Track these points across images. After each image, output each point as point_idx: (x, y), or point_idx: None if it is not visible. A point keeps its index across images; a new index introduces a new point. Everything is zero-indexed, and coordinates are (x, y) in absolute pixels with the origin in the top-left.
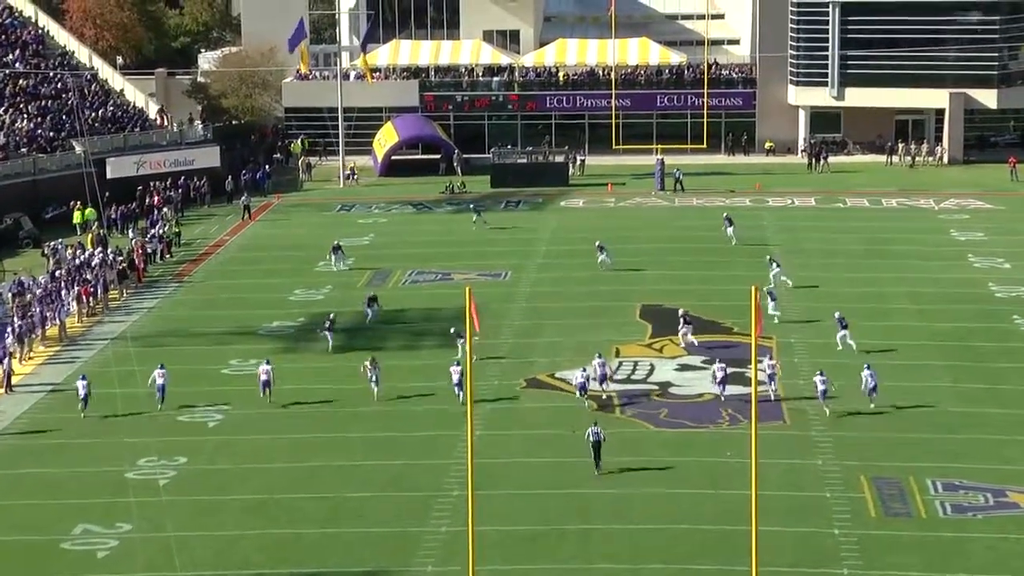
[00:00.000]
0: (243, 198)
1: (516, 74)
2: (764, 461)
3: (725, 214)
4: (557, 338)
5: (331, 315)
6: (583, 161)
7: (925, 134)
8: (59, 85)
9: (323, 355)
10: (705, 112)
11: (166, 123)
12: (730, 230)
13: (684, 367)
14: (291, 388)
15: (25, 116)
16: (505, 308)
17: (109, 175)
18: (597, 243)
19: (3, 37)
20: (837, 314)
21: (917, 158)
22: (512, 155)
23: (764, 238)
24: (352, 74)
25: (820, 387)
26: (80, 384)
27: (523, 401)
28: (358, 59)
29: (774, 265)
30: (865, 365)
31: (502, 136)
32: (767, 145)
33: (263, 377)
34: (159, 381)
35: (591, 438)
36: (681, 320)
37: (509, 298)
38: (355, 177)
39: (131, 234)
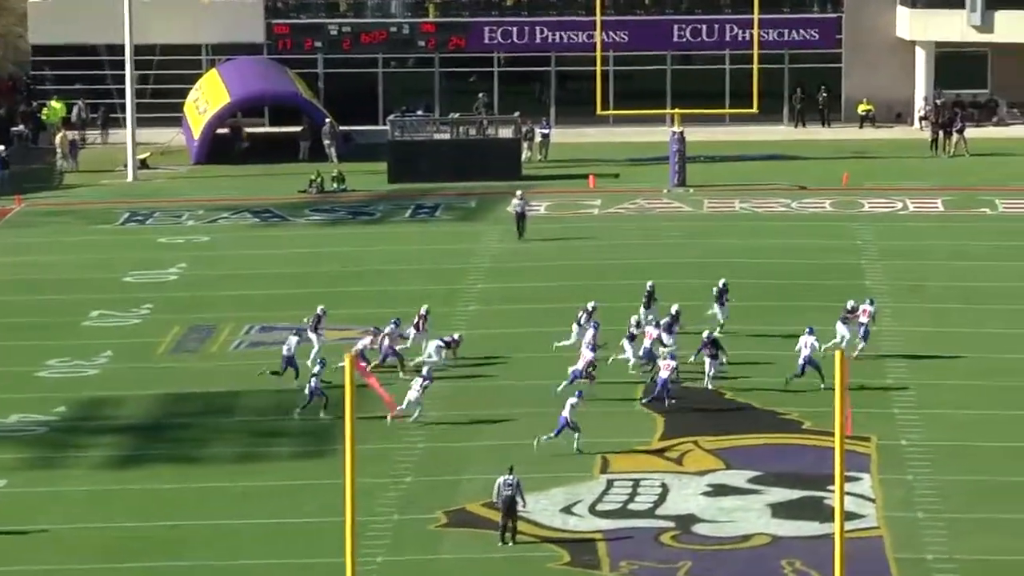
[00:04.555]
0: None
1: None
2: None
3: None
4: (500, 441)
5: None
6: (546, 136)
7: None
8: None
9: (96, 471)
10: (755, 53)
11: None
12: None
13: (719, 489)
14: (44, 533)
15: None
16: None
17: None
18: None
19: None
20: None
21: None
22: (425, 127)
23: (858, 268)
24: None
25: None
26: None
27: (442, 548)
28: None
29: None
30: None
31: (408, 95)
32: (862, 109)
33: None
34: None
35: (503, 491)
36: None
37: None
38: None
39: None
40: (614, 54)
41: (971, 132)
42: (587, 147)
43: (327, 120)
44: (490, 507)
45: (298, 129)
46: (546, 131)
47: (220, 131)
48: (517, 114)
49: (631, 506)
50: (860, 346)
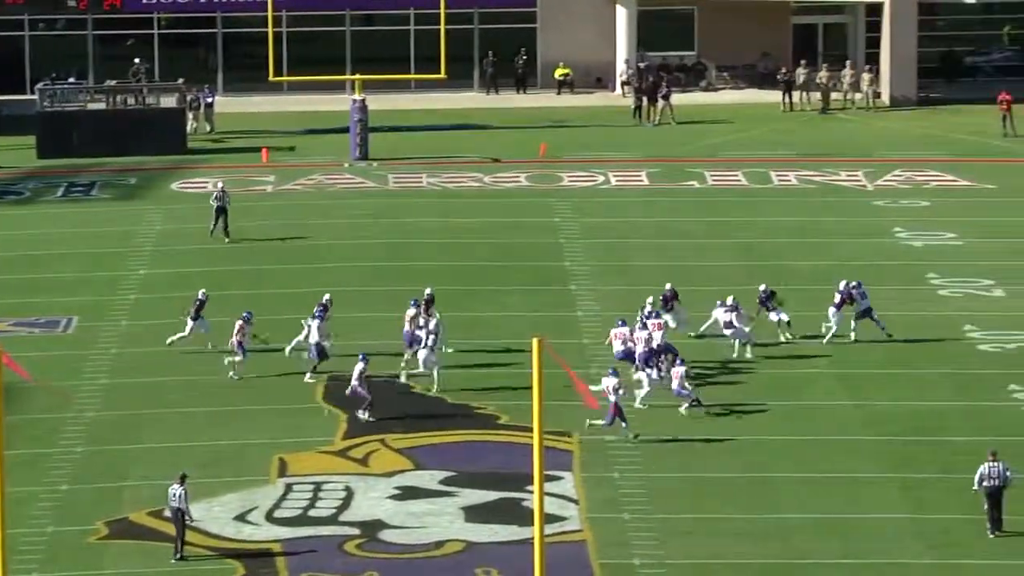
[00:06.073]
0: None
1: None
2: None
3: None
4: (166, 443)
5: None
6: (210, 105)
7: (849, 51)
8: None
9: None
10: (442, 13)
11: None
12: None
13: (408, 491)
14: None
15: None
16: (69, 388)
17: None
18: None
19: None
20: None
21: (833, 95)
22: (78, 96)
23: (557, 247)
24: None
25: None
26: None
27: (103, 562)
28: None
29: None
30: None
31: (57, 61)
32: (559, 74)
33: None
34: None
35: (170, 502)
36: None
37: (75, 370)
38: None
39: None
40: (288, 14)
41: (677, 98)
42: (259, 117)
43: None
44: (156, 516)
45: None
46: (211, 99)
47: None
48: (181, 81)
49: (312, 512)
50: (881, 326)
